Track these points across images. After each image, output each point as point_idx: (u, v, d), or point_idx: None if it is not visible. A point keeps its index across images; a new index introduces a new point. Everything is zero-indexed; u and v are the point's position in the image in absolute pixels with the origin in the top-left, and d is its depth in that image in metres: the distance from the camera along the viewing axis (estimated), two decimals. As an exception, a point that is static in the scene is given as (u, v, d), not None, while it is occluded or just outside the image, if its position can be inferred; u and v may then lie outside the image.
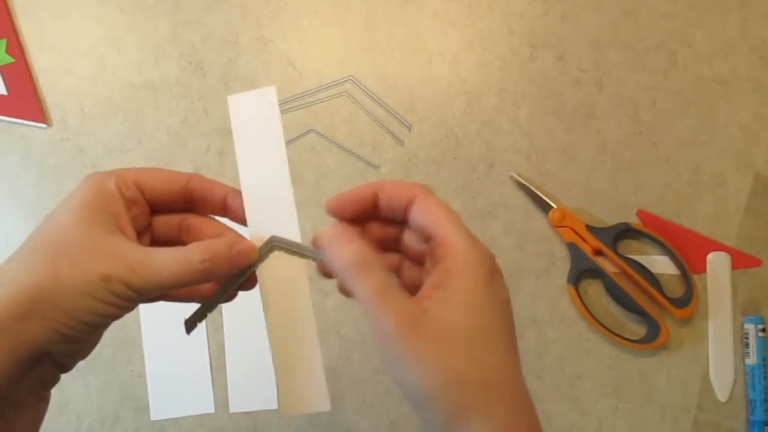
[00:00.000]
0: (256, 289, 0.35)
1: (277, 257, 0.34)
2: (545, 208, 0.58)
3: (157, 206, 0.34)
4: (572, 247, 0.57)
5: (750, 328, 0.56)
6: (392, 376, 0.29)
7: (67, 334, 0.29)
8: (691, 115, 0.58)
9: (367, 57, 0.61)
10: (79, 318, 0.29)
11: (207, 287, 0.35)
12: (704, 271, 0.57)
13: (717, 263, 0.57)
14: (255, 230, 0.34)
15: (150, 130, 0.62)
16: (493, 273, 0.30)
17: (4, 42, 0.62)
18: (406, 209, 0.33)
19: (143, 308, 0.60)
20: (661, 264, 0.58)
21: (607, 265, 0.57)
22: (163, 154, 0.61)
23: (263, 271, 0.34)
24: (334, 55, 0.61)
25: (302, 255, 0.34)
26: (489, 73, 0.60)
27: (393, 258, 0.36)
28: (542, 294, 0.58)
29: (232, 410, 0.60)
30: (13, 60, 0.62)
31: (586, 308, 0.57)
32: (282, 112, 0.61)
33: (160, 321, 0.60)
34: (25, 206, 0.62)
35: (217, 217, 0.36)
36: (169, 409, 0.60)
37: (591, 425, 0.58)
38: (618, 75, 0.59)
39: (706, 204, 0.58)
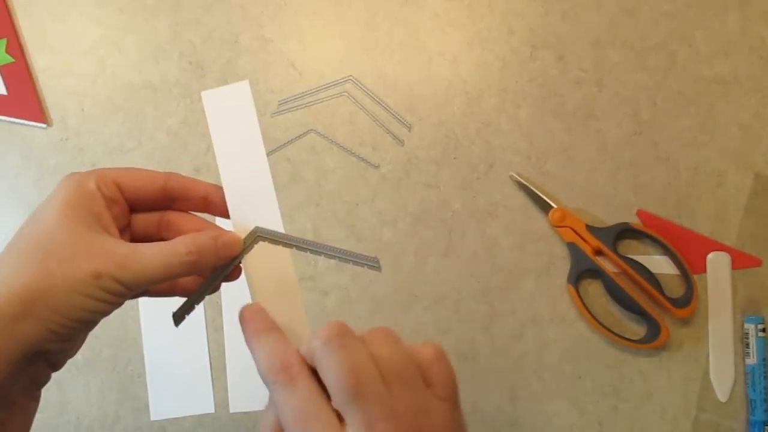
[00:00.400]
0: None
1: (261, 248, 0.35)
2: (545, 208, 0.58)
3: (136, 205, 0.35)
4: (572, 247, 0.57)
5: (750, 328, 0.56)
6: None
7: (61, 333, 0.29)
8: (691, 115, 0.58)
9: (367, 57, 0.61)
10: (71, 316, 0.29)
11: (188, 281, 0.36)
12: (704, 271, 0.57)
13: (717, 263, 0.57)
14: (238, 222, 0.35)
15: (150, 130, 0.62)
16: None
17: (4, 42, 0.62)
18: None
19: (143, 308, 0.61)
20: (661, 264, 0.58)
21: (607, 265, 0.57)
22: (163, 154, 0.61)
23: (248, 262, 0.35)
24: (334, 55, 0.61)
25: (286, 245, 0.35)
26: (489, 73, 0.60)
27: None
28: (542, 294, 0.58)
29: (232, 410, 0.60)
30: (13, 60, 0.62)
31: (586, 308, 0.57)
32: (282, 112, 0.61)
33: (160, 321, 0.60)
34: (25, 206, 0.62)
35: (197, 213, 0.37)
36: (169, 409, 0.60)
37: (591, 425, 0.58)
38: (618, 75, 0.59)
39: (706, 204, 0.58)
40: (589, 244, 0.57)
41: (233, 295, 0.53)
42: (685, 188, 0.58)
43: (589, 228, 0.57)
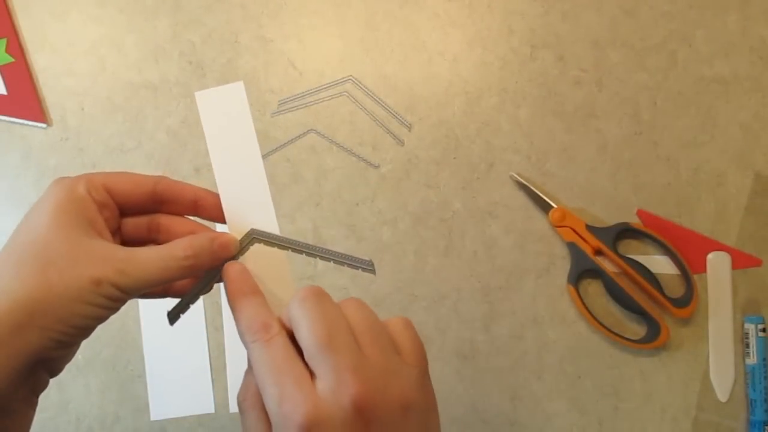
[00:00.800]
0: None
1: (257, 249, 0.35)
2: (545, 208, 0.58)
3: (126, 208, 0.35)
4: (572, 247, 0.57)
5: (750, 327, 0.56)
6: None
7: (62, 341, 0.29)
8: (691, 115, 0.58)
9: (367, 57, 0.61)
10: (73, 324, 0.29)
11: (182, 282, 0.36)
12: (704, 271, 0.57)
13: (717, 263, 0.57)
14: (233, 224, 0.35)
15: (150, 130, 0.62)
16: None
17: (4, 42, 0.62)
18: None
19: (143, 309, 0.61)
20: (661, 264, 0.58)
21: (607, 265, 0.57)
22: (163, 154, 0.61)
23: (245, 263, 0.35)
24: (334, 55, 0.61)
25: (282, 247, 0.35)
26: (489, 73, 0.60)
27: None
28: (542, 294, 0.58)
29: (232, 410, 0.60)
30: (13, 60, 0.62)
31: (586, 308, 0.57)
32: (282, 112, 0.61)
33: (160, 321, 0.60)
34: (25, 206, 0.62)
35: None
36: (169, 409, 0.60)
37: (591, 425, 0.58)
38: (618, 75, 0.59)
39: (706, 204, 0.58)
40: (589, 244, 0.57)
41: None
42: (685, 188, 0.58)
43: (589, 228, 0.57)
